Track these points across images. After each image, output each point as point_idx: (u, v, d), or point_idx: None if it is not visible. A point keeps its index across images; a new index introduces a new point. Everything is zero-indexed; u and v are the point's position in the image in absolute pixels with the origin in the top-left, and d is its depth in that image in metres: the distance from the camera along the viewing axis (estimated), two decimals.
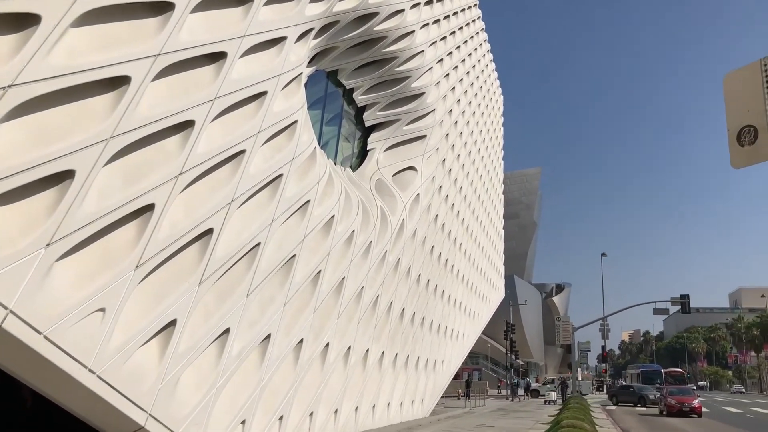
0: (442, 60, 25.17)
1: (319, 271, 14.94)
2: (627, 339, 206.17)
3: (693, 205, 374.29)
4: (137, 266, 9.28)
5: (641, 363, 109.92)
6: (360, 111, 21.08)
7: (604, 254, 58.32)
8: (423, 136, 23.35)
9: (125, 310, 9.09)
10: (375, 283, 18.71)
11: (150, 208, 9.50)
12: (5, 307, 7.29)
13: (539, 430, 20.82)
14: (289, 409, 13.79)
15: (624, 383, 66.52)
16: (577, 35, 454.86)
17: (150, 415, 9.51)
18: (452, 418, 26.76)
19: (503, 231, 46.12)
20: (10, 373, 8.27)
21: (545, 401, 46.35)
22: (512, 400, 51.23)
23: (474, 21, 31.29)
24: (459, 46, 28.17)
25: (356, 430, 17.99)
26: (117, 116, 8.86)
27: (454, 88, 27.41)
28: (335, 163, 18.65)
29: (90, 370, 8.44)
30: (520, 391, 58.50)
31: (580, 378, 66.69)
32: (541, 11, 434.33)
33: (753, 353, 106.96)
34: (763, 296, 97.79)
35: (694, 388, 72.69)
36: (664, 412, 34.37)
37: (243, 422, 12.03)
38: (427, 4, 22.66)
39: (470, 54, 30.66)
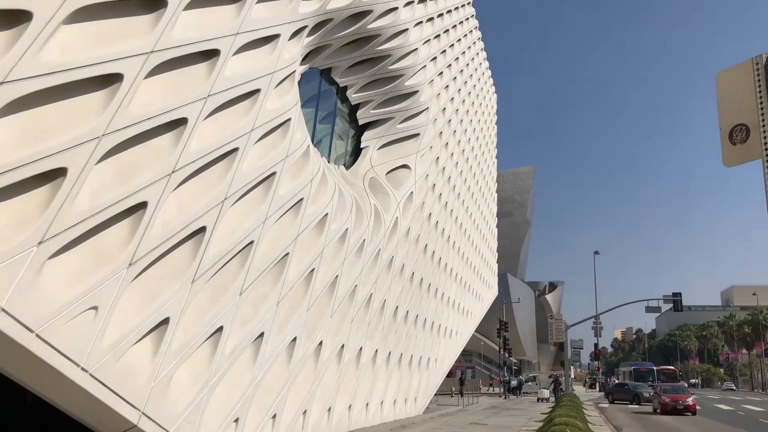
0: (435, 58, 25.18)
1: (313, 270, 14.94)
2: (619, 337, 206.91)
3: (686, 203, 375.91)
4: (130, 264, 9.25)
5: (634, 361, 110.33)
6: (354, 109, 21.07)
7: (596, 252, 58.39)
8: (416, 135, 23.36)
9: (118, 308, 9.06)
10: (368, 281, 18.72)
11: (143, 206, 9.47)
12: None
13: (532, 427, 20.88)
14: (282, 407, 13.78)
15: (617, 381, 66.75)
16: (571, 34, 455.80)
17: (143, 413, 9.49)
18: (445, 416, 26.81)
19: (496, 229, 46.21)
20: (2, 371, 8.23)
21: (538, 399, 46.48)
22: (505, 398, 51.35)
23: (467, 19, 31.31)
24: (452, 45, 28.18)
25: (349, 428, 18.00)
26: (109, 114, 8.82)
27: (447, 86, 27.43)
28: (329, 161, 18.63)
29: (82, 369, 8.41)
30: (514, 384, 58.74)
31: (572, 375, 66.85)
32: (535, 10, 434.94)
33: (744, 351, 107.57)
34: (754, 294, 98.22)
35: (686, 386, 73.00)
36: (657, 410, 34.35)
37: (236, 420, 12.01)
38: (420, 2, 22.65)
39: (464, 52, 30.68)
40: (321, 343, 15.61)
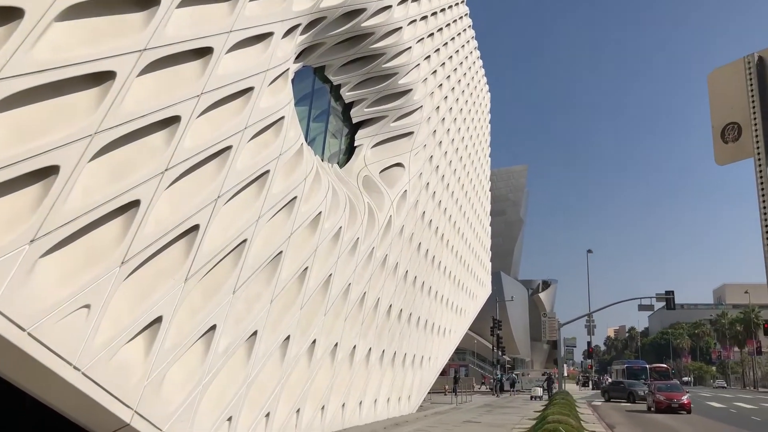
0: (429, 57, 25.18)
1: (306, 268, 14.92)
2: (612, 335, 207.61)
3: (679, 202, 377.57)
4: (123, 262, 9.23)
5: (627, 359, 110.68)
6: (347, 107, 21.05)
7: (589, 251, 58.58)
8: (410, 133, 23.36)
9: (111, 306, 9.03)
10: (362, 279, 18.72)
11: (136, 204, 9.44)
12: None
13: (526, 425, 20.93)
14: (275, 406, 13.77)
15: (610, 380, 66.96)
16: (569, 33, 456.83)
17: (136, 411, 9.46)
18: (439, 414, 26.84)
19: (490, 228, 46.25)
20: None
21: (531, 397, 46.60)
22: (498, 396, 51.46)
23: (461, 18, 31.31)
24: (446, 43, 28.17)
25: (343, 426, 18.01)
26: (102, 112, 8.79)
27: (441, 84, 27.44)
28: (322, 160, 18.62)
29: (75, 367, 8.38)
30: (507, 386, 58.80)
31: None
32: (528, 9, 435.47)
33: (736, 349, 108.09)
34: (746, 292, 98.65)
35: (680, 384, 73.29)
36: (652, 409, 34.13)
37: (229, 419, 12.00)
38: (414, 0, 22.64)
39: (457, 51, 30.69)
40: (314, 341, 15.60)
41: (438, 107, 26.96)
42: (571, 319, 53.56)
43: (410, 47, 22.19)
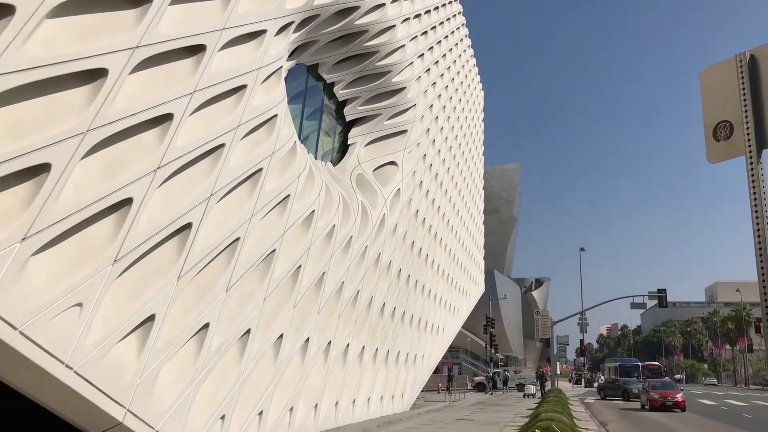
0: (423, 55, 25.18)
1: (300, 266, 14.91)
2: (605, 333, 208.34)
3: (671, 199, 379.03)
4: (115, 261, 9.19)
5: (619, 356, 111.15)
6: (341, 105, 21.04)
7: (582, 249, 58.81)
8: (404, 131, 23.36)
9: (103, 305, 9.00)
10: (355, 277, 18.72)
11: (128, 202, 9.41)
12: None
13: (519, 423, 20.99)
14: (269, 404, 13.76)
15: (603, 378, 67.19)
16: (567, 32, 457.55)
17: (128, 410, 9.43)
18: (432, 412, 26.89)
19: (483, 226, 46.32)
20: None
21: (524, 395, 46.73)
22: (491, 394, 51.56)
23: (455, 16, 31.32)
24: (440, 41, 28.18)
25: (336, 424, 18.01)
26: (94, 109, 8.75)
27: (434, 83, 27.45)
28: (316, 158, 18.60)
29: (67, 366, 8.35)
30: (500, 384, 58.86)
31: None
32: (521, 7, 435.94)
33: (728, 346, 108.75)
34: (738, 290, 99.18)
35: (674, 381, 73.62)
36: (646, 407, 33.84)
37: (222, 417, 11.98)
38: None
39: (451, 49, 30.70)
40: (308, 339, 15.59)
41: (431, 105, 26.97)
42: (564, 317, 53.79)
43: (404, 45, 22.19)
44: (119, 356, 9.37)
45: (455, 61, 31.84)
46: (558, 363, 67.94)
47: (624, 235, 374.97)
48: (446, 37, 29.45)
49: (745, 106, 4.46)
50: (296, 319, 14.91)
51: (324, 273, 16.29)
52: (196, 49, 10.93)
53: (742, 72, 4.53)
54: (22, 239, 7.74)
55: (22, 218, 7.76)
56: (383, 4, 19.88)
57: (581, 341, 61.95)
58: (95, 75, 8.84)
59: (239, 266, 12.31)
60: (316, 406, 16.43)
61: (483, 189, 45.14)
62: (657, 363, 70.77)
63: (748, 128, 4.42)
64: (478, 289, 44.21)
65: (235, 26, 11.96)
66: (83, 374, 8.61)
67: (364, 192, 20.36)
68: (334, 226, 16.85)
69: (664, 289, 44.73)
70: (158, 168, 9.98)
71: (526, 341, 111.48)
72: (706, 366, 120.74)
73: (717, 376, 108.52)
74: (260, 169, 13.00)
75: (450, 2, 30.06)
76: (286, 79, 15.07)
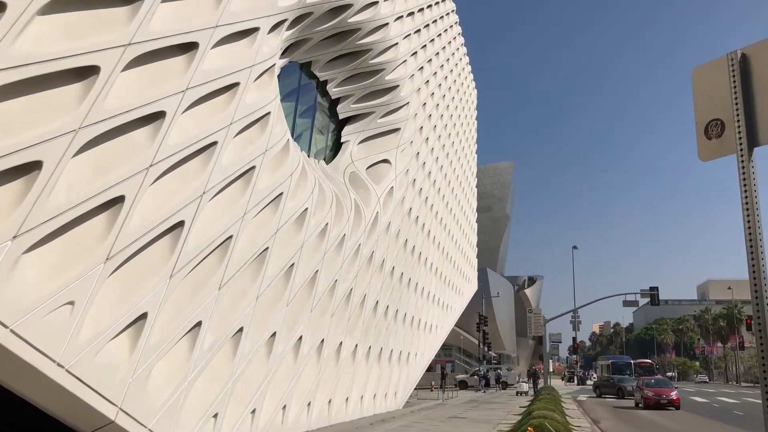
0: (416, 53, 25.17)
1: (292, 264, 14.89)
2: (598, 330, 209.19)
3: (664, 198, 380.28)
4: (107, 259, 9.16)
5: (612, 354, 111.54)
6: (334, 103, 21.01)
7: (575, 247, 59.09)
8: (397, 129, 23.36)
9: (95, 303, 8.97)
10: (349, 276, 18.71)
11: (120, 200, 9.37)
12: None
13: (511, 420, 21.03)
14: (261, 402, 13.75)
15: (596, 375, 67.41)
16: (552, 30, 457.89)
17: (120, 409, 9.40)
18: (425, 410, 26.92)
19: (476, 224, 46.39)
20: None
21: (517, 392, 46.85)
22: (484, 392, 51.66)
23: (448, 14, 31.33)
24: (433, 40, 28.19)
25: (329, 422, 18.00)
26: (86, 107, 8.71)
27: (428, 81, 27.45)
28: (309, 156, 18.57)
29: (58, 364, 8.31)
30: (492, 382, 58.92)
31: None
32: (516, 6, 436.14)
33: (720, 344, 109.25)
34: (729, 288, 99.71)
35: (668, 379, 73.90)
36: (640, 405, 33.51)
37: (215, 416, 11.96)
38: None
39: (444, 47, 30.71)
40: (301, 338, 15.58)
41: (425, 103, 26.98)
42: (556, 315, 53.99)
43: (397, 43, 22.18)
44: (111, 354, 9.33)
45: (448, 59, 31.86)
46: (551, 361, 68.08)
47: (617, 233, 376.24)
48: (439, 35, 29.46)
49: (737, 104, 4.48)
50: (289, 318, 14.89)
51: (317, 271, 16.28)
52: (189, 47, 10.89)
53: (733, 70, 4.55)
54: (14, 237, 7.70)
55: (13, 216, 7.72)
56: (376, 2, 19.86)
57: (574, 339, 62.18)
58: (87, 72, 8.80)
59: (232, 264, 12.29)
60: (309, 404, 16.42)
61: (476, 187, 45.19)
62: (649, 360, 71.12)
63: (739, 126, 4.43)
64: (471, 287, 44.29)
65: (228, 24, 11.92)
66: (75, 373, 8.57)
67: (357, 190, 20.35)
68: (327, 224, 16.84)
69: (656, 287, 44.97)
70: (150, 166, 9.94)
71: (518, 339, 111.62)
72: (697, 363, 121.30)
73: (708, 374, 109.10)
74: (253, 167, 12.97)
75: (443, 0, 30.06)
76: (279, 76, 15.04)
